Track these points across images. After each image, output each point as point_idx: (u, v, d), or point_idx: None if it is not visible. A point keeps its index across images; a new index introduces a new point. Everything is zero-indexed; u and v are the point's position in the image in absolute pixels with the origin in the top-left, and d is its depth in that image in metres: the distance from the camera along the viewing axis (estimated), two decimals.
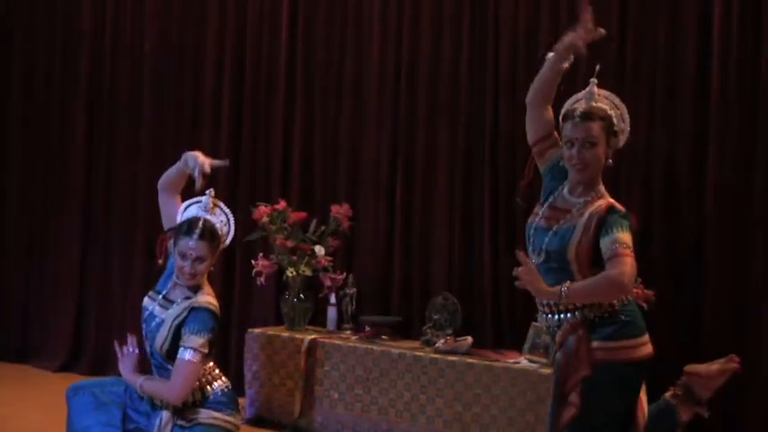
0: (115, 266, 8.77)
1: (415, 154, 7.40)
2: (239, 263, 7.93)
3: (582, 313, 4.17)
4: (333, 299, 7.32)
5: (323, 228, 7.35)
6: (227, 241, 5.08)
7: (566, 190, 4.33)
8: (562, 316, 4.22)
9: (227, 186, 8.08)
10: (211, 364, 4.94)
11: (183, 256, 4.83)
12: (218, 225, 4.95)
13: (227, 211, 5.07)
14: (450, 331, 6.78)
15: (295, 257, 7.20)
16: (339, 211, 7.32)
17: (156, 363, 4.92)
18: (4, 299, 9.26)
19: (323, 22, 7.83)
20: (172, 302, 4.93)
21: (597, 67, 4.37)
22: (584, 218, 4.19)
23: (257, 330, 7.30)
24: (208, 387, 4.89)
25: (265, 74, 8.08)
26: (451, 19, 7.27)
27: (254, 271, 7.27)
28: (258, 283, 7.31)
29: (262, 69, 8.07)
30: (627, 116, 4.37)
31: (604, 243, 4.07)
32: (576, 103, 4.37)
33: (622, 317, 4.17)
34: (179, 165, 5.02)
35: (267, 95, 8.06)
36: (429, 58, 7.34)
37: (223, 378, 5.00)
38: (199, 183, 4.86)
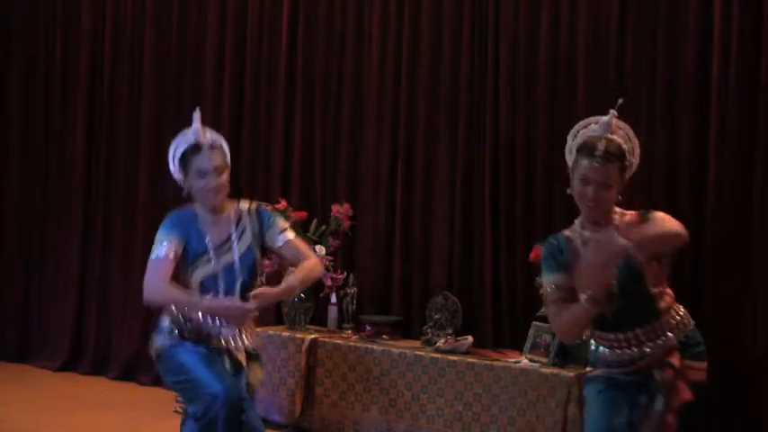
0: (115, 266, 8.78)
1: (416, 154, 7.40)
2: None
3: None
4: (333, 298, 7.33)
5: (323, 227, 7.36)
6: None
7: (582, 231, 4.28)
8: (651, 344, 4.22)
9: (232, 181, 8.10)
10: None
11: (203, 173, 5.01)
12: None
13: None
14: (450, 331, 6.79)
15: None
16: (340, 210, 7.34)
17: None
18: (4, 299, 9.27)
19: (323, 21, 7.83)
20: (227, 239, 5.01)
21: (620, 101, 4.33)
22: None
23: (258, 330, 7.27)
24: None
25: (265, 73, 8.09)
26: (452, 18, 7.25)
27: None
28: (259, 282, 7.30)
29: (262, 69, 8.08)
30: (638, 150, 4.33)
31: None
32: (593, 134, 4.28)
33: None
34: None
35: (267, 95, 8.07)
36: (429, 57, 7.34)
37: None
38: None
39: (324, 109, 7.82)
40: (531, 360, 6.31)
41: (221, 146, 5.09)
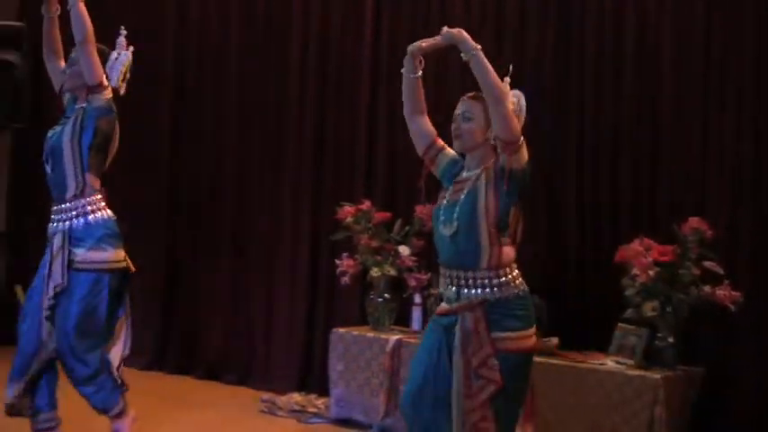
0: (202, 266, 8.86)
1: None
2: (324, 263, 7.98)
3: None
4: (417, 299, 7.32)
5: (407, 228, 7.36)
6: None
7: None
8: (464, 291, 4.48)
9: (311, 186, 8.14)
10: None
11: None
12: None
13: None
14: None
15: (379, 257, 7.22)
16: (423, 211, 7.32)
17: None
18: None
19: (407, 20, 7.83)
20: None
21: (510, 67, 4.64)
22: (484, 173, 4.51)
23: (342, 330, 7.32)
24: None
25: (349, 73, 8.11)
26: (536, 14, 7.25)
27: (339, 271, 7.31)
28: (343, 282, 7.34)
29: (345, 69, 8.11)
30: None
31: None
32: None
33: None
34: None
35: (351, 95, 8.09)
36: (512, 52, 7.30)
37: None
38: None
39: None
40: (616, 362, 6.25)
41: None
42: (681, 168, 6.65)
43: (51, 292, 5.53)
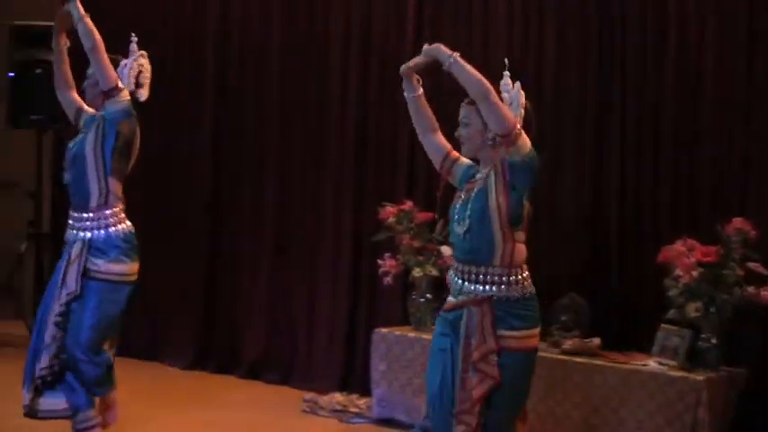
0: (243, 266, 8.88)
1: (541, 154, 7.33)
2: (366, 263, 7.99)
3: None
4: None
5: (449, 228, 7.34)
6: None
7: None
8: (472, 286, 4.56)
9: (353, 185, 8.14)
10: None
11: None
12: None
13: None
14: (577, 332, 6.72)
15: (421, 257, 7.22)
16: None
17: None
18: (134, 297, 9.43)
19: (449, 17, 7.82)
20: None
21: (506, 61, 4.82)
22: (492, 171, 4.61)
23: (384, 330, 7.33)
24: None
25: (391, 71, 8.06)
26: (577, 11, 7.24)
27: (381, 271, 7.32)
28: (385, 282, 7.35)
29: (387, 66, 8.10)
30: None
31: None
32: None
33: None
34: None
35: (393, 94, 8.04)
36: (554, 48, 7.31)
37: None
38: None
39: (450, 108, 7.79)
40: (659, 363, 6.22)
41: None
42: (724, 168, 6.62)
43: (64, 299, 5.61)
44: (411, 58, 7.82)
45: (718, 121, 6.64)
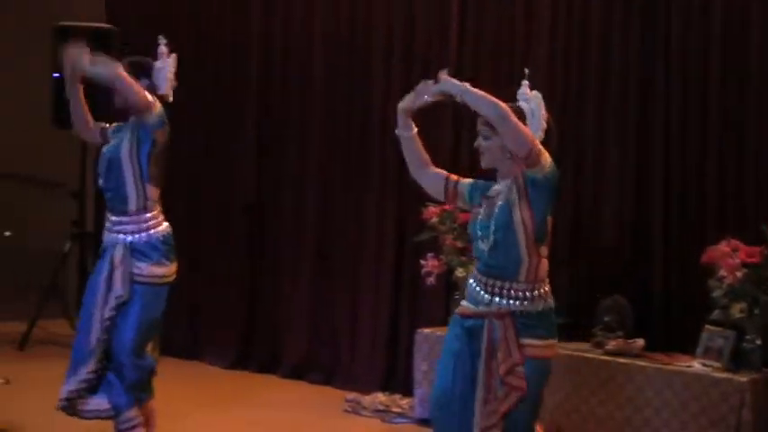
0: (284, 268, 8.92)
1: (584, 147, 7.33)
2: (408, 263, 7.99)
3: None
4: None
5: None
6: None
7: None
8: (496, 299, 4.53)
9: (395, 186, 8.14)
10: None
11: None
12: None
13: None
14: (620, 333, 6.70)
15: (464, 258, 7.22)
16: None
17: None
18: (175, 296, 9.46)
19: (492, 24, 7.82)
20: None
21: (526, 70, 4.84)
22: (514, 185, 4.54)
23: (427, 330, 7.34)
24: None
25: (434, 78, 8.10)
26: (622, 11, 7.21)
27: (424, 271, 7.33)
28: (428, 283, 7.36)
29: (431, 74, 8.07)
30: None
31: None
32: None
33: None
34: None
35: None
36: (598, 51, 7.29)
37: None
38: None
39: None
40: (703, 364, 6.20)
41: None
42: None
43: (113, 303, 5.64)
44: (454, 65, 7.96)
45: (762, 121, 6.61)
